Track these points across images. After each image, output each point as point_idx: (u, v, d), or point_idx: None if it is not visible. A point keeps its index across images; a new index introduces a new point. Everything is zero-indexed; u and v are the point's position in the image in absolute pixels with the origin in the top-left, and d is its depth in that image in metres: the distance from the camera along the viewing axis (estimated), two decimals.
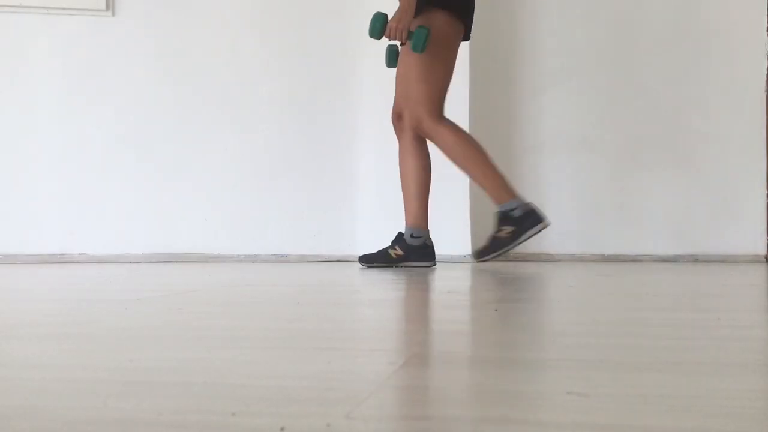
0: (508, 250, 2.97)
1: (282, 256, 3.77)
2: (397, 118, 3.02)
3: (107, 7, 3.80)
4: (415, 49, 2.80)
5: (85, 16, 3.81)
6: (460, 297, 1.90)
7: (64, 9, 3.79)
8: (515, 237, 2.93)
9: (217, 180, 3.82)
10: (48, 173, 3.80)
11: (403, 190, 3.02)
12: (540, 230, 2.94)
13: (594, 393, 0.72)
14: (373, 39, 2.90)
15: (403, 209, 3.04)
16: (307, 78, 3.83)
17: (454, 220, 3.62)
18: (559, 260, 3.81)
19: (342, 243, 3.75)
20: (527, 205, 2.96)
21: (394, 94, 3.07)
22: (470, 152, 2.92)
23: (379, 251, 3.02)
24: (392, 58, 3.00)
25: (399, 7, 2.80)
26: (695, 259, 3.81)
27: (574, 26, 3.94)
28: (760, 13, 3.87)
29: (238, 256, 3.77)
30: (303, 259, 3.74)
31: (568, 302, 1.69)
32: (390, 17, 2.83)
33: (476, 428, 0.61)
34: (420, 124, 2.94)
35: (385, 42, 3.02)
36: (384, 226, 3.34)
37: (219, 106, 3.83)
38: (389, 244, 3.04)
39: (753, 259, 3.79)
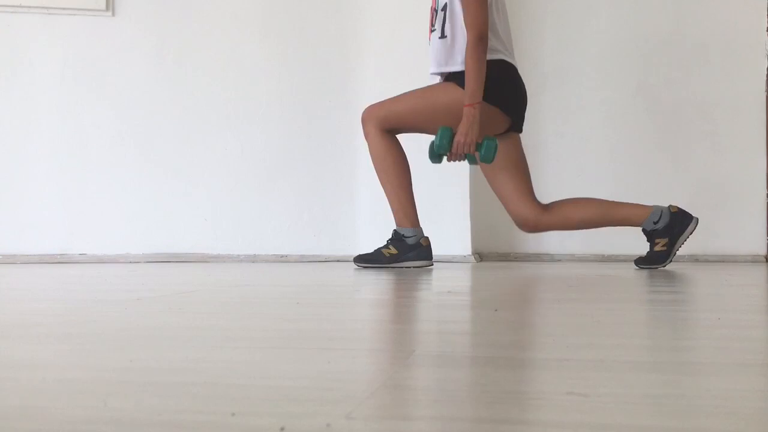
0: (378, 267, 2.90)
1: (282, 256, 3.77)
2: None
3: (107, 7, 3.80)
4: (484, 160, 2.75)
5: (85, 16, 3.81)
6: (460, 297, 1.90)
7: (64, 9, 3.79)
8: (393, 260, 2.91)
9: (217, 180, 3.82)
10: (48, 173, 3.80)
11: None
12: (418, 266, 2.91)
13: (594, 393, 0.72)
14: (441, 154, 2.79)
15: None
16: (307, 78, 3.83)
17: (454, 220, 3.62)
18: (559, 260, 3.81)
19: (342, 243, 3.75)
20: (423, 238, 2.94)
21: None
22: (384, 168, 2.93)
23: (375, 251, 2.99)
24: (435, 154, 2.85)
25: (464, 119, 2.73)
26: (695, 259, 3.81)
27: (574, 26, 3.94)
28: (760, 13, 3.87)
29: (238, 256, 3.77)
30: (303, 259, 3.74)
31: (567, 302, 1.69)
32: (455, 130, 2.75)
33: (476, 428, 0.61)
34: (368, 120, 2.92)
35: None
36: (384, 226, 3.34)
37: (219, 106, 3.83)
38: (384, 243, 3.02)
39: (753, 259, 3.79)
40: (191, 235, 3.79)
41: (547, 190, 3.91)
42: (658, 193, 3.86)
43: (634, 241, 3.86)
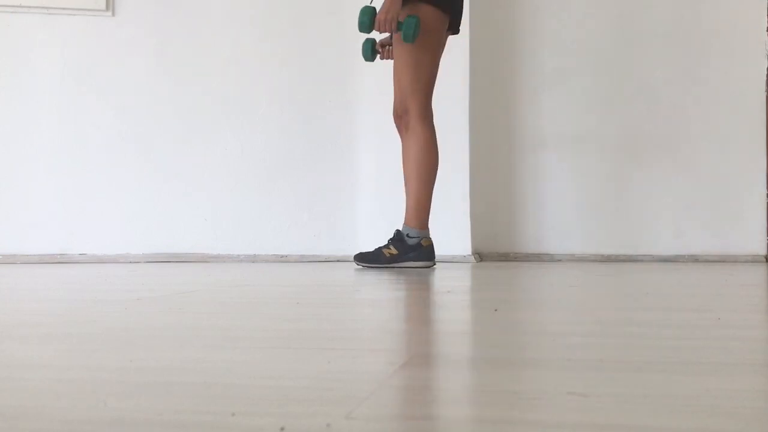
0: (377, 267, 2.90)
1: (282, 256, 3.77)
2: (398, 115, 2.98)
3: (107, 7, 3.80)
4: (405, 38, 2.79)
5: (85, 16, 3.81)
6: (460, 297, 1.90)
7: (64, 9, 3.79)
8: (393, 260, 2.90)
9: (217, 180, 3.82)
10: (48, 173, 3.80)
11: (416, 189, 2.92)
12: (419, 267, 2.90)
13: (594, 393, 0.72)
14: (362, 33, 2.88)
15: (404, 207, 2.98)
16: (307, 78, 3.83)
17: (454, 220, 3.62)
18: (559, 260, 3.81)
19: (342, 243, 3.75)
20: (426, 239, 2.92)
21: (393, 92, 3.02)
22: (427, 167, 2.89)
23: (375, 250, 2.98)
24: (369, 51, 2.97)
25: None
26: (695, 259, 3.81)
27: (574, 26, 3.94)
28: (760, 13, 3.87)
29: (238, 256, 3.77)
30: (303, 259, 3.74)
31: (568, 302, 1.69)
32: (378, 10, 2.83)
33: (476, 428, 0.61)
34: (405, 114, 2.90)
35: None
36: (384, 226, 3.34)
37: (219, 106, 3.83)
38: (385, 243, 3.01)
39: (753, 259, 3.79)
40: (191, 235, 3.79)
41: (548, 190, 3.92)
42: (658, 193, 3.86)
43: (634, 241, 3.87)
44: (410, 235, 2.91)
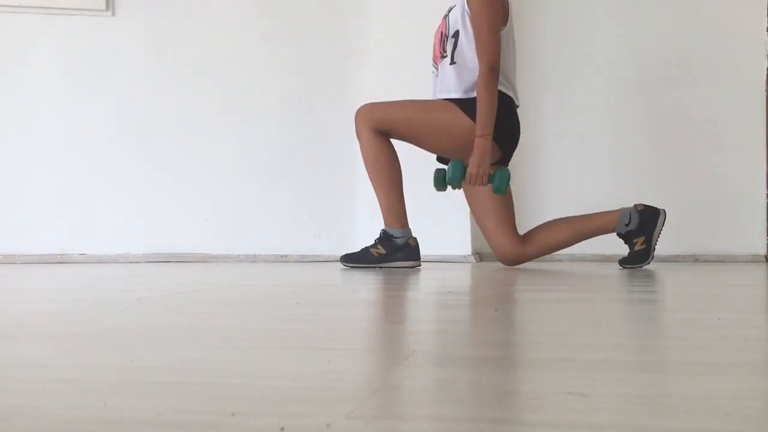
0: (365, 267, 2.91)
1: (282, 256, 3.77)
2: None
3: (107, 7, 3.80)
4: (497, 191, 2.79)
5: (85, 16, 3.81)
6: (460, 297, 1.90)
7: (64, 9, 3.79)
8: (382, 260, 2.91)
9: (217, 180, 3.82)
10: (48, 173, 3.80)
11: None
12: (408, 267, 2.91)
13: (594, 393, 0.72)
14: (453, 188, 2.86)
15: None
16: (307, 78, 3.83)
17: (454, 220, 3.62)
18: (559, 260, 3.81)
19: (342, 243, 3.74)
20: (411, 239, 2.94)
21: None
22: (380, 169, 2.93)
23: (362, 250, 2.97)
24: (440, 181, 2.87)
25: (475, 151, 2.75)
26: (695, 259, 3.80)
27: (574, 26, 3.94)
28: (760, 13, 3.87)
29: (238, 256, 3.77)
30: (303, 259, 3.74)
31: (568, 302, 1.69)
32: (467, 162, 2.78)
33: (476, 428, 0.61)
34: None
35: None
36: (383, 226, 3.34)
37: (219, 106, 3.83)
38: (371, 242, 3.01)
39: (753, 259, 3.79)
40: (191, 235, 3.79)
41: (548, 190, 3.92)
42: (658, 193, 3.86)
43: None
44: (395, 235, 2.92)
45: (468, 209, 3.65)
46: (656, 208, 3.00)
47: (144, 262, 3.70)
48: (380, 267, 2.90)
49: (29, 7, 3.78)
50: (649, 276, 2.57)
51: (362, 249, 2.98)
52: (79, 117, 3.81)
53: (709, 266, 3.30)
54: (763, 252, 3.82)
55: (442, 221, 3.51)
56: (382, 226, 2.98)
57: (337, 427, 0.60)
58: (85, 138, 3.81)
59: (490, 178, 2.78)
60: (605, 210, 3.05)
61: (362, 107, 2.97)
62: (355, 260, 2.95)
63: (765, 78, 3.85)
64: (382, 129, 2.92)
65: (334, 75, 3.82)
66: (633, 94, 3.90)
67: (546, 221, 3.11)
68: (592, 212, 3.07)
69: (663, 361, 0.91)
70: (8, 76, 3.81)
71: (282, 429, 0.59)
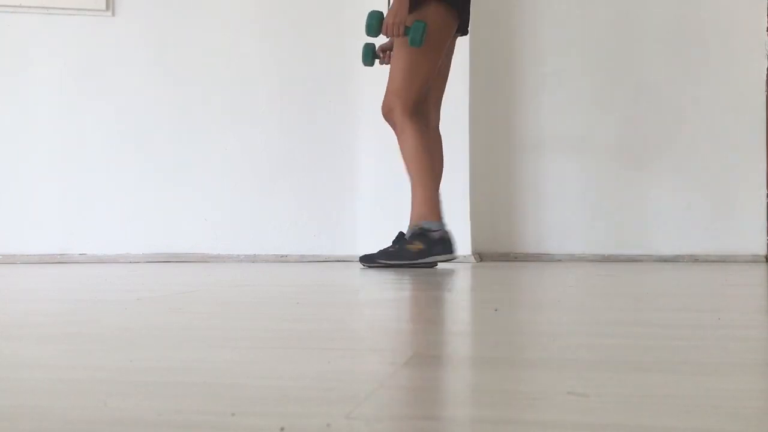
0: (405, 266, 2.86)
1: (282, 256, 3.77)
2: (383, 114, 2.98)
3: (107, 7, 3.80)
4: (413, 43, 2.79)
5: (85, 16, 3.81)
6: (460, 297, 1.90)
7: (64, 9, 3.79)
8: (421, 255, 2.85)
9: (217, 180, 3.82)
10: (48, 173, 3.80)
11: (420, 184, 2.90)
12: (446, 260, 2.89)
13: (594, 393, 0.72)
14: (369, 36, 2.89)
15: (410, 205, 2.96)
16: (307, 78, 3.83)
17: (454, 220, 3.61)
18: (559, 260, 3.81)
19: (342, 243, 3.75)
20: (446, 232, 2.91)
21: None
22: (423, 161, 2.88)
23: (397, 247, 2.91)
24: (368, 55, 2.97)
25: (393, 2, 2.79)
26: (695, 259, 3.81)
27: (574, 26, 3.94)
28: (760, 13, 3.87)
29: (238, 256, 3.77)
30: (303, 259, 3.74)
31: (568, 302, 1.69)
32: (385, 14, 2.83)
33: (476, 428, 0.61)
34: (390, 113, 2.90)
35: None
36: (384, 226, 3.34)
37: (219, 106, 3.83)
38: (389, 243, 3.01)
39: (753, 259, 3.79)
40: (191, 235, 3.79)
41: (547, 190, 3.92)
42: (657, 193, 3.86)
43: (634, 241, 3.87)
44: (432, 228, 2.87)
45: (468, 209, 3.66)
46: (453, 249, 2.88)
47: (144, 262, 3.70)
48: (420, 264, 2.85)
49: (29, 7, 3.78)
50: (649, 276, 2.57)
51: (395, 246, 2.90)
52: (79, 117, 3.81)
53: (709, 266, 3.30)
54: (763, 252, 3.82)
55: None
56: (413, 222, 2.91)
57: (337, 427, 0.60)
58: (85, 138, 3.81)
59: (406, 30, 2.78)
60: (436, 203, 2.92)
61: (385, 101, 2.93)
62: (391, 257, 2.87)
63: (765, 78, 3.85)
64: (414, 104, 2.88)
65: (334, 75, 3.82)
66: (633, 94, 3.90)
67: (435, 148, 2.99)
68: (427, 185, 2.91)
69: (663, 361, 0.91)
70: (8, 76, 3.81)
71: (282, 429, 0.59)
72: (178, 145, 3.82)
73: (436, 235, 2.87)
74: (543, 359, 0.94)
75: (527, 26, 3.94)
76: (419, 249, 2.86)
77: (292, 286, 2.17)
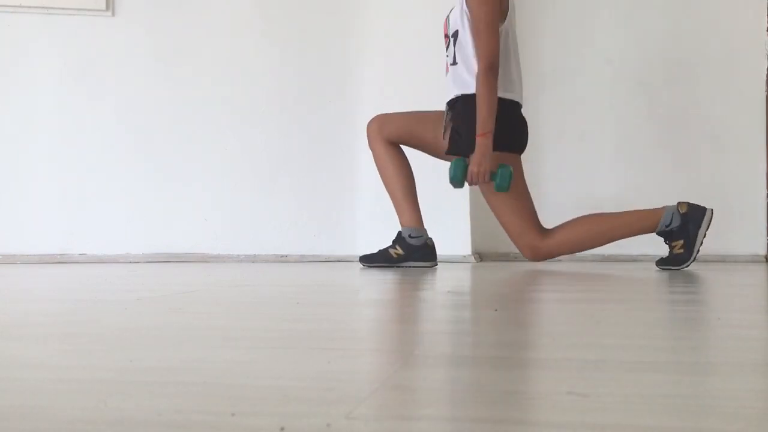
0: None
1: (282, 256, 3.77)
2: (372, 126, 3.03)
3: (107, 7, 3.80)
4: (500, 189, 2.79)
5: (85, 16, 3.81)
6: (460, 297, 1.90)
7: (64, 9, 3.79)
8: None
9: (217, 180, 3.82)
10: (48, 173, 3.80)
11: (390, 195, 3.04)
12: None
13: (594, 393, 0.72)
14: (455, 188, 2.88)
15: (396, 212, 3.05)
16: (307, 78, 3.83)
17: (454, 220, 3.62)
18: (559, 260, 3.81)
19: (342, 243, 3.75)
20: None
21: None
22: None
23: (380, 251, 3.02)
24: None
25: (476, 150, 2.75)
26: (695, 259, 3.80)
27: (574, 26, 3.94)
28: (760, 13, 3.87)
29: (238, 256, 3.77)
30: (303, 259, 3.74)
31: (568, 302, 1.69)
32: (469, 161, 2.79)
33: (476, 428, 0.61)
34: (538, 251, 2.97)
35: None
36: (384, 226, 3.34)
37: (219, 106, 3.83)
38: (390, 244, 3.04)
39: (753, 259, 3.79)
40: (191, 235, 3.79)
41: (547, 191, 3.91)
42: (657, 193, 3.86)
43: (634, 241, 3.86)
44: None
45: (468, 209, 3.66)
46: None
47: (144, 262, 3.70)
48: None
49: (29, 7, 3.78)
50: (649, 276, 2.57)
51: (380, 250, 3.03)
52: (79, 117, 3.81)
53: (709, 266, 3.30)
54: (763, 252, 3.82)
55: (443, 221, 3.51)
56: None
57: (337, 427, 0.60)
58: (85, 138, 3.81)
59: (492, 176, 2.78)
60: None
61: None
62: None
63: (765, 78, 3.85)
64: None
65: (334, 75, 3.82)
66: (633, 94, 3.90)
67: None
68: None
69: (663, 361, 0.91)
70: (8, 76, 3.81)
71: (282, 429, 0.59)
72: (178, 145, 3.82)
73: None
74: (543, 359, 0.94)
75: (527, 26, 3.93)
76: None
77: (292, 286, 2.17)
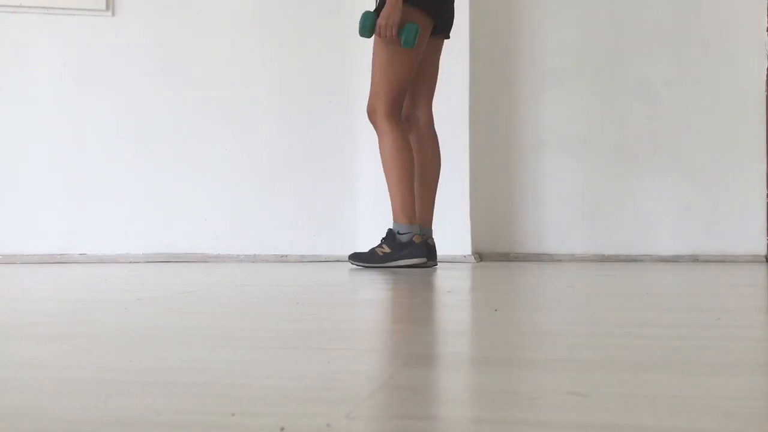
0: (372, 267, 2.90)
1: (282, 256, 3.77)
2: (368, 114, 3.00)
3: (107, 7, 3.80)
4: (406, 44, 2.83)
5: (85, 16, 3.81)
6: (460, 297, 1.90)
7: (64, 9, 3.79)
8: (386, 259, 2.89)
9: (217, 180, 3.82)
10: (48, 173, 3.80)
11: (386, 182, 2.96)
12: (413, 265, 2.88)
13: (594, 393, 0.72)
14: (363, 37, 2.91)
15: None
16: (307, 78, 3.83)
17: (454, 220, 3.62)
18: (559, 260, 3.81)
19: (342, 243, 3.74)
20: (418, 236, 2.91)
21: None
22: (398, 163, 2.90)
23: (370, 250, 2.97)
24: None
25: (387, 3, 2.81)
26: (695, 259, 3.80)
27: (574, 26, 3.94)
28: (760, 13, 3.87)
29: (238, 256, 3.76)
30: (303, 259, 3.74)
31: (568, 302, 1.69)
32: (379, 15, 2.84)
33: (476, 428, 0.61)
34: (373, 113, 2.94)
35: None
36: (384, 226, 3.34)
37: (219, 106, 3.83)
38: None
39: (753, 259, 3.79)
40: (191, 235, 3.78)
41: (548, 190, 3.92)
42: (658, 193, 3.86)
43: (634, 241, 3.87)
44: (400, 231, 2.90)
45: (468, 209, 3.66)
46: (423, 254, 2.88)
47: (144, 262, 3.70)
48: (384, 267, 2.87)
49: (29, 7, 3.78)
50: (649, 276, 2.57)
51: (369, 249, 2.99)
52: (79, 117, 3.81)
53: (709, 266, 3.30)
54: (763, 252, 3.82)
55: (442, 221, 3.51)
56: (389, 226, 2.98)
57: (337, 427, 0.60)
58: (85, 138, 3.80)
59: (399, 31, 2.82)
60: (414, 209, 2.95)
61: (369, 103, 2.97)
62: (362, 260, 2.95)
63: (765, 78, 3.85)
64: (394, 104, 2.92)
65: (334, 75, 3.82)
66: (633, 93, 3.90)
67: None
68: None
69: (663, 361, 0.91)
70: (8, 76, 3.81)
71: (282, 429, 0.59)
72: (178, 145, 3.81)
73: (403, 238, 2.90)
74: (543, 359, 0.94)
75: (527, 26, 3.94)
76: (385, 252, 2.90)
77: (292, 286, 2.17)
